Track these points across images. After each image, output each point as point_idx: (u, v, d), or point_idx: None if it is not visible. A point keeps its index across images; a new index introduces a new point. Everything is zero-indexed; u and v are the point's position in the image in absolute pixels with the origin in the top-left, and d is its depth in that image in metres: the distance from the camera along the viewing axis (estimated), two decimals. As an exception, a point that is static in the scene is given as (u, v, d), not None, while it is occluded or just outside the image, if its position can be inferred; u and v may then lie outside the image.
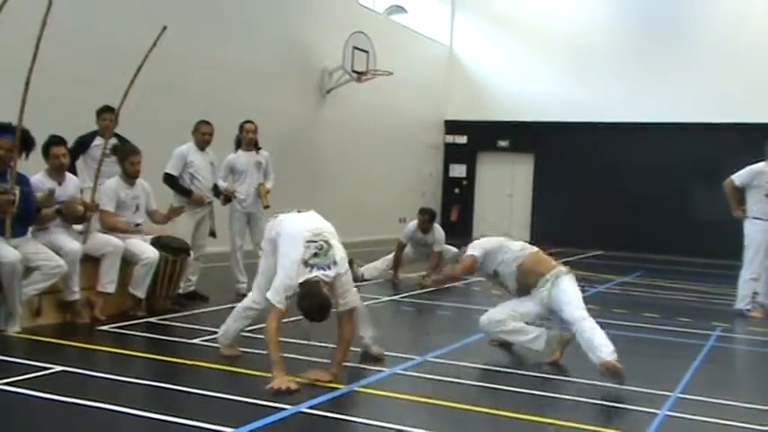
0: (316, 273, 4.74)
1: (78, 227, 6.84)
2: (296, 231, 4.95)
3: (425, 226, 10.19)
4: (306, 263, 4.76)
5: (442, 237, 10.35)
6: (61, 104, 9.18)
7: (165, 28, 6.59)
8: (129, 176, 7.10)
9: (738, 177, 8.75)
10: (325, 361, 5.19)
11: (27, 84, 5.75)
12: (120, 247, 6.73)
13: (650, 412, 4.67)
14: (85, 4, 10.08)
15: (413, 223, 10.35)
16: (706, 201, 17.02)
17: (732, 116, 17.08)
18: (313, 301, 4.67)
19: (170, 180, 7.96)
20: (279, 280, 4.84)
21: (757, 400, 5.12)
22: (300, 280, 4.73)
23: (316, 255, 4.80)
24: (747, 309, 8.74)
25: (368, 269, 10.20)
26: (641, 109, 18.02)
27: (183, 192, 7.95)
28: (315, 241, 4.85)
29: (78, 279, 6.41)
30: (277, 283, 4.84)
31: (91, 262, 6.63)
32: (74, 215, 6.49)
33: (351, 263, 10.12)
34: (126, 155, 7.09)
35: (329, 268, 4.81)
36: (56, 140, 6.54)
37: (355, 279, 9.85)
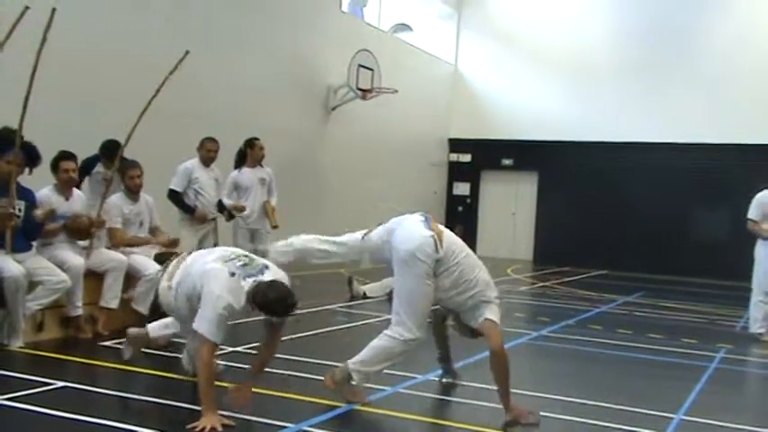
0: (252, 279, 4.29)
1: (83, 242, 6.86)
2: (206, 266, 4.45)
3: None
4: (233, 274, 4.30)
5: None
6: (66, 121, 9.22)
7: (187, 52, 6.62)
8: (131, 191, 7.09)
9: (752, 213, 8.75)
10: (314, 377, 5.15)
11: (27, 98, 5.71)
12: (124, 262, 6.73)
13: (654, 434, 4.64)
14: (95, 23, 10.13)
15: None
16: (710, 221, 17.05)
17: (736, 136, 17.10)
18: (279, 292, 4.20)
19: (174, 196, 8.00)
20: (209, 311, 4.25)
21: (762, 423, 5.08)
22: (246, 290, 4.27)
23: (244, 265, 4.38)
24: (760, 333, 8.64)
25: (371, 288, 10.17)
26: (645, 128, 18.04)
27: (187, 209, 7.98)
28: (232, 258, 4.45)
29: (81, 294, 6.40)
30: (208, 314, 4.24)
31: (94, 277, 6.64)
32: (79, 228, 6.50)
33: (350, 280, 10.22)
34: (125, 169, 7.08)
35: (263, 273, 4.36)
36: (66, 155, 6.55)
37: (356, 296, 9.96)
